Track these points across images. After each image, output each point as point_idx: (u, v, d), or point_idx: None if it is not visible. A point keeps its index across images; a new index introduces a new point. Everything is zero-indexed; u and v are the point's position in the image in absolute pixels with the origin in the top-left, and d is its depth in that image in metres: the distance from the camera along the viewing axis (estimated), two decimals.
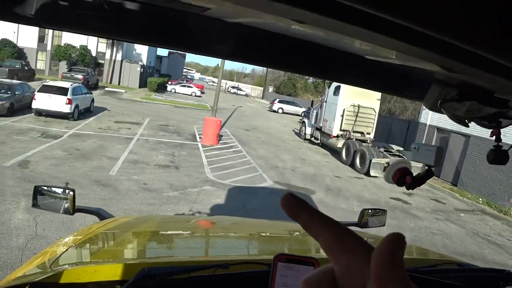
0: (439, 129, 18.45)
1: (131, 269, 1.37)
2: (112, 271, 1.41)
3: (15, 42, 40.89)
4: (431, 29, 0.41)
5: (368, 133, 18.75)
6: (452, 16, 0.39)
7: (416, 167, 1.61)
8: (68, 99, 17.69)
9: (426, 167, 1.53)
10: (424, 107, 18.73)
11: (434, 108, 1.17)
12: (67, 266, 1.54)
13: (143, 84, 46.17)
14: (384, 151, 16.59)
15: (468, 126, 1.15)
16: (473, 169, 15.73)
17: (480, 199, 14.73)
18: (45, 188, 2.44)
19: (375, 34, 0.47)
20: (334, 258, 0.37)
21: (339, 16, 0.43)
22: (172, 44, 0.97)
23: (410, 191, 13.52)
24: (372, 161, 15.27)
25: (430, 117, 19.00)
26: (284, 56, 0.99)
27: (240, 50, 0.94)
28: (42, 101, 17.52)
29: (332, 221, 0.39)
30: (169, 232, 2.49)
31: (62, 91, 17.93)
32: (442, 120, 17.88)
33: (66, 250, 1.82)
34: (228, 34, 0.88)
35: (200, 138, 17.97)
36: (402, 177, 1.56)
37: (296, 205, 0.38)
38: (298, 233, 2.82)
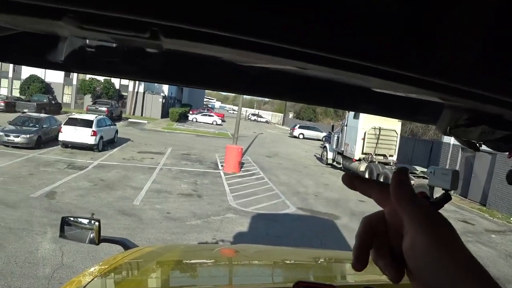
0: (464, 149, 18.08)
1: None
2: None
3: (42, 77, 42.48)
4: (430, 76, 0.44)
5: (391, 155, 18.50)
6: (454, 65, 0.42)
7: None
8: (93, 131, 18.15)
9: (444, 191, 1.51)
10: None
11: (447, 133, 1.16)
12: None
13: (165, 114, 47.00)
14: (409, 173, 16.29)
15: (479, 150, 1.14)
16: (502, 187, 15.24)
17: None
18: (72, 219, 2.48)
19: (378, 80, 0.50)
20: (382, 205, 0.52)
21: (340, 67, 0.46)
22: (190, 83, 1.02)
23: None
24: None
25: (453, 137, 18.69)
26: (297, 90, 1.03)
27: (255, 86, 0.99)
28: (68, 133, 18.02)
29: (379, 182, 0.55)
30: (192, 261, 2.49)
31: (87, 123, 18.43)
32: None
33: (91, 280, 1.84)
34: (242, 74, 0.92)
35: (222, 166, 18.05)
36: None
37: (352, 177, 0.56)
38: (322, 260, 2.78)
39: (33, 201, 9.99)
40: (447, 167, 16.24)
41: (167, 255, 2.55)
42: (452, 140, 18.83)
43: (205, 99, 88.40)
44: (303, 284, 1.10)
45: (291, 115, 74.49)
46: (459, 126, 1.06)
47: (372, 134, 18.31)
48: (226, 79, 0.97)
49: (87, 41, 0.85)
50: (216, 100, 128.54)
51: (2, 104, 31.69)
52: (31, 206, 9.51)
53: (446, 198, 1.52)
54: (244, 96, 21.62)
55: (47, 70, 42.38)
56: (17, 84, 42.83)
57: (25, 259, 6.64)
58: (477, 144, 1.11)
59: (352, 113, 19.67)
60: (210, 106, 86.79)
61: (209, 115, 51.64)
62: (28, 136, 17.11)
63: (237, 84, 0.98)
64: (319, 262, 2.74)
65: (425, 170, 17.15)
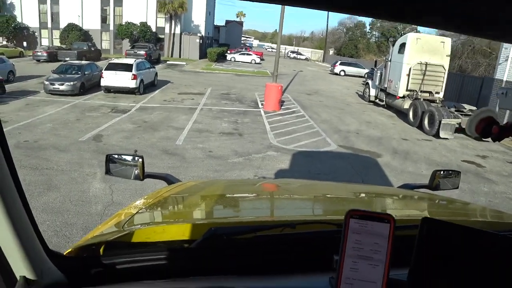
0: None
1: (198, 229, 1.37)
2: (180, 231, 1.41)
3: (80, 25, 42.96)
4: None
5: (437, 93, 17.61)
6: None
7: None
8: (133, 74, 18.37)
9: None
10: (501, 61, 17.14)
11: None
12: (138, 226, 1.58)
13: (203, 55, 46.80)
14: (455, 111, 15.55)
15: None
16: None
17: None
18: (116, 156, 2.51)
19: None
20: None
21: None
22: None
23: (484, 153, 12.66)
24: (442, 122, 14.41)
25: (507, 72, 17.42)
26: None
27: None
28: (109, 78, 18.37)
29: None
30: (235, 195, 2.49)
31: (127, 67, 18.65)
32: None
33: (137, 212, 1.87)
34: None
35: (262, 104, 17.98)
36: (487, 127, 1.39)
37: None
38: (365, 194, 2.71)
39: (82, 144, 10.40)
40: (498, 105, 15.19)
41: (209, 189, 2.57)
42: (505, 76, 17.59)
43: (242, 38, 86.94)
44: (357, 213, 1.03)
45: (331, 52, 72.29)
46: None
47: (418, 70, 17.40)
48: None
49: None
50: (254, 39, 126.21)
51: (45, 54, 32.47)
52: (80, 149, 9.92)
53: None
54: (283, 32, 20.97)
55: (84, 17, 42.91)
56: (56, 33, 43.67)
57: (78, 198, 7.01)
58: None
59: (396, 48, 18.73)
60: (248, 44, 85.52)
61: (248, 54, 50.83)
62: (71, 83, 17.56)
63: None
64: (365, 196, 2.67)
65: (473, 108, 16.30)
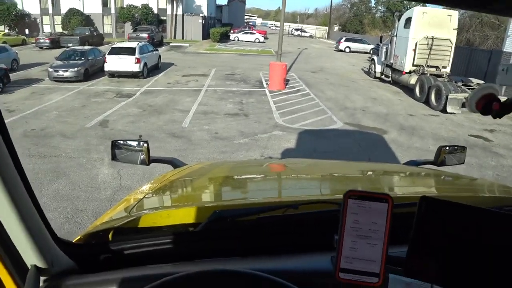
0: None
1: (204, 212, 1.39)
2: (186, 215, 1.44)
3: (81, 10, 42.65)
4: None
5: (444, 67, 17.36)
6: None
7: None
8: (136, 58, 18.30)
9: None
10: (509, 34, 16.79)
11: None
12: (145, 211, 1.61)
13: (206, 35, 46.42)
14: (462, 85, 15.35)
15: None
16: None
17: None
18: (121, 142, 2.53)
19: None
20: None
21: None
22: None
23: (492, 127, 12.54)
24: (449, 96, 14.24)
25: None
26: None
27: None
28: (113, 63, 18.32)
29: None
30: (240, 176, 2.51)
31: (130, 51, 18.57)
32: None
33: (144, 197, 1.90)
34: None
35: (267, 84, 17.90)
36: (488, 103, 1.38)
37: None
38: (370, 172, 2.72)
39: (88, 130, 10.47)
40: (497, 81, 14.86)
41: (215, 171, 2.59)
42: None
43: (245, 17, 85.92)
44: (355, 193, 1.04)
45: (336, 28, 71.38)
46: None
47: (424, 44, 17.12)
48: None
49: None
50: (257, 17, 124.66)
51: (48, 41, 32.36)
52: (87, 136, 9.98)
53: None
54: (286, 10, 20.68)
55: (85, 2, 42.55)
56: (58, 19, 43.39)
57: (87, 184, 7.10)
58: None
59: (402, 22, 18.42)
60: (251, 23, 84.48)
61: (251, 33, 50.35)
62: (75, 69, 17.54)
63: None
64: (369, 174, 2.68)
65: (481, 82, 16.04)
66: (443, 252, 1.04)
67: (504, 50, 18.06)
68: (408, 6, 20.12)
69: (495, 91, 1.41)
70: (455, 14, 17.62)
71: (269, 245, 1.34)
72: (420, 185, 2.49)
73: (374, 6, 67.94)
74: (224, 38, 46.55)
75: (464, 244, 1.03)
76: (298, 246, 1.32)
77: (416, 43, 17.16)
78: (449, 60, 17.41)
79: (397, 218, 1.22)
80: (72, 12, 41.86)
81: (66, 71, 17.40)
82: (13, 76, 17.62)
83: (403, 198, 1.51)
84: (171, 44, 39.32)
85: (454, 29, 17.26)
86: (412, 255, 1.06)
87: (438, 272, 1.05)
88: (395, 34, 19.27)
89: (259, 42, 47.66)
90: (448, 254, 1.03)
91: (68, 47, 24.50)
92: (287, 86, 17.66)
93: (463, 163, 2.79)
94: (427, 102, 15.62)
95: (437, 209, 1.05)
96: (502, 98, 1.38)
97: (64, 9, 42.58)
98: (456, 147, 2.75)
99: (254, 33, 50.44)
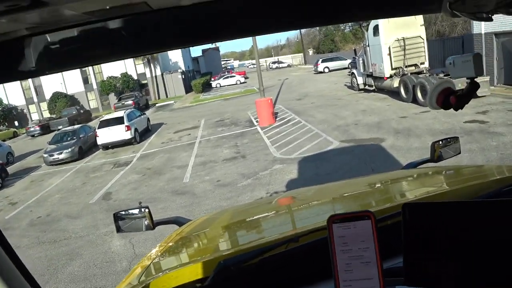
0: (497, 34, 16.88)
1: (211, 265, 1.40)
2: (194, 272, 1.45)
3: (65, 91, 43.56)
4: None
5: (422, 63, 17.70)
6: None
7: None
8: (126, 126, 18.57)
9: (469, 80, 1.41)
10: None
11: (454, 13, 1.07)
12: (155, 276, 1.63)
13: (188, 89, 47.16)
14: (444, 75, 15.63)
15: (492, 20, 1.04)
16: None
17: None
18: (123, 212, 2.56)
19: None
20: None
21: None
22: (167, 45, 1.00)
23: (484, 109, 12.64)
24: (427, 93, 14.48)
25: (483, 25, 17.39)
26: (288, 12, 0.98)
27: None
28: (104, 135, 18.56)
29: None
30: (243, 220, 2.54)
31: (119, 120, 18.86)
32: (497, 24, 16.39)
33: (151, 262, 1.92)
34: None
35: (257, 121, 18.09)
36: (446, 98, 1.45)
37: None
38: (376, 185, 2.74)
39: (93, 206, 10.49)
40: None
41: (218, 221, 2.61)
42: (483, 29, 17.56)
43: (222, 62, 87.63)
44: (337, 217, 1.08)
45: (311, 52, 72.65)
46: None
47: (397, 47, 17.51)
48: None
49: (49, 38, 0.83)
50: (234, 60, 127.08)
51: (38, 128, 32.99)
52: (92, 212, 10.00)
53: (473, 86, 1.43)
54: (259, 46, 21.21)
55: (67, 84, 43.51)
56: (44, 105, 44.23)
57: (102, 259, 7.06)
58: (489, 15, 1.01)
59: (371, 32, 18.86)
60: (229, 67, 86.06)
61: (231, 76, 51.23)
62: (69, 149, 17.78)
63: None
64: (364, 189, 2.70)
65: None
66: (438, 253, 1.07)
67: (474, 32, 18.37)
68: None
69: (451, 85, 1.47)
70: None
71: (274, 285, 1.35)
72: (417, 188, 2.51)
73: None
74: (206, 87, 47.28)
75: (456, 241, 1.05)
76: (302, 279, 1.34)
77: (389, 48, 17.53)
78: (425, 56, 17.77)
79: (390, 229, 1.25)
80: (56, 95, 42.68)
81: (61, 153, 17.59)
82: (10, 169, 17.81)
83: (395, 207, 1.54)
84: (157, 104, 39.91)
85: (421, 25, 17.68)
86: (409, 263, 1.09)
87: (438, 274, 1.07)
88: (367, 44, 19.67)
89: (240, 83, 48.41)
90: (443, 254, 1.06)
91: (58, 129, 24.85)
92: (277, 119, 17.85)
93: (460, 153, 2.82)
94: (415, 100, 15.80)
95: (420, 213, 1.09)
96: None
97: (48, 95, 43.42)
98: (449, 139, 2.78)
99: (234, 76, 51.30)
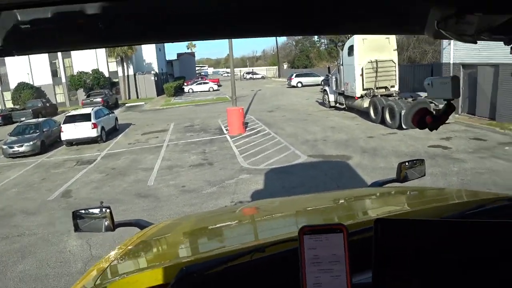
0: (465, 65, 17.60)
1: (173, 271, 1.36)
2: (154, 277, 1.40)
3: (31, 83, 42.14)
4: None
5: (392, 86, 18.25)
6: None
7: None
8: (93, 123, 18.11)
9: (446, 102, 1.44)
10: (444, 46, 17.90)
11: (437, 34, 1.09)
12: (113, 279, 1.56)
13: (160, 91, 46.66)
14: (412, 100, 16.13)
15: (476, 43, 1.06)
16: (509, 98, 14.95)
17: None
18: (83, 211, 2.47)
19: None
20: None
21: None
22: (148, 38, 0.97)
23: (448, 135, 13.10)
24: (402, 113, 14.90)
25: (452, 55, 18.09)
26: (272, 19, 0.97)
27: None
28: (69, 131, 18.02)
29: None
30: (208, 227, 2.50)
31: (86, 117, 18.37)
32: (466, 55, 17.10)
33: (109, 265, 1.85)
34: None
35: (226, 130, 18.03)
36: (422, 118, 1.48)
37: None
38: (332, 202, 2.77)
39: (51, 203, 10.13)
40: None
41: (182, 227, 2.56)
42: (451, 59, 18.28)
43: (197, 68, 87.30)
44: (308, 229, 1.07)
45: (285, 66, 73.42)
46: (451, 17, 0.97)
47: (370, 68, 17.98)
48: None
49: (19, 16, 0.78)
50: (208, 67, 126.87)
51: None
52: (50, 209, 9.65)
53: (449, 108, 1.46)
54: (234, 56, 21.25)
55: (34, 74, 42.17)
56: (7, 95, 42.59)
57: (56, 259, 6.81)
58: (473, 37, 1.03)
59: (346, 51, 19.28)
60: (203, 73, 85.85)
61: (204, 83, 51.12)
62: (31, 143, 17.14)
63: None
64: (331, 203, 2.73)
65: None
66: (407, 270, 1.07)
67: (443, 61, 19.11)
68: (348, 36, 21.03)
69: (427, 106, 1.50)
70: (392, 36, 18.65)
71: None
72: (382, 206, 2.55)
73: (318, 39, 70.71)
74: (178, 91, 46.93)
75: (425, 258, 1.06)
76: None
77: (362, 69, 17.96)
78: (395, 79, 18.33)
79: (360, 244, 1.25)
80: (22, 86, 41.21)
81: (22, 146, 16.96)
82: None
83: (364, 223, 1.55)
84: (126, 104, 39.22)
85: (394, 50, 18.24)
86: (377, 278, 1.08)
87: None
88: (341, 63, 20.09)
89: (213, 90, 48.34)
90: (412, 271, 1.07)
91: (21, 121, 23.98)
92: (247, 128, 17.87)
93: (425, 175, 2.90)
94: (383, 122, 16.19)
95: (392, 229, 1.10)
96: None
97: (13, 84, 41.91)
98: (415, 161, 2.86)
99: (207, 83, 51.22)
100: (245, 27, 1.02)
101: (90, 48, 1.10)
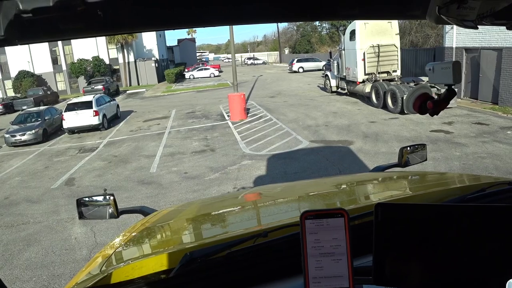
0: (467, 49, 17.46)
1: (177, 256, 1.38)
2: (158, 262, 1.42)
3: (32, 71, 42.03)
4: None
5: (394, 71, 18.13)
6: None
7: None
8: (94, 111, 18.11)
9: (447, 87, 1.44)
10: (447, 30, 17.75)
11: (439, 20, 1.08)
12: (118, 265, 1.58)
13: (161, 78, 46.55)
14: (414, 85, 16.03)
15: (477, 28, 1.06)
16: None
17: None
18: (86, 199, 2.49)
19: None
20: None
21: None
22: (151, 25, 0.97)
23: (450, 120, 13.07)
24: (404, 98, 14.83)
25: (455, 39, 17.94)
26: (273, 6, 0.97)
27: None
28: (71, 119, 18.04)
29: None
30: (211, 213, 2.52)
31: (87, 105, 18.37)
32: (469, 39, 16.95)
33: (114, 251, 1.87)
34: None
35: (228, 116, 18.02)
36: (423, 103, 1.48)
37: None
38: (335, 187, 2.78)
39: (55, 191, 10.19)
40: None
41: (185, 213, 2.58)
42: (454, 43, 18.13)
43: (197, 54, 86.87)
44: (310, 213, 1.08)
45: (287, 51, 73.05)
46: (452, 2, 0.97)
47: (372, 53, 17.84)
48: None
49: (20, 5, 0.78)
50: (209, 52, 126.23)
51: (0, 107, 31.64)
52: (54, 197, 9.71)
53: (450, 93, 1.46)
54: (235, 41, 21.12)
55: (34, 62, 42.04)
56: (8, 83, 42.54)
57: (61, 247, 6.87)
58: (474, 22, 1.03)
59: (347, 36, 19.11)
60: (204, 59, 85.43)
61: (205, 69, 50.90)
62: (33, 131, 17.18)
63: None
64: (334, 188, 2.74)
65: None
66: (407, 254, 1.08)
67: (446, 45, 18.93)
68: (350, 20, 20.80)
69: (428, 91, 1.50)
70: (394, 21, 18.47)
71: (241, 279, 1.34)
72: (384, 190, 2.56)
73: (319, 24, 70.19)
74: (179, 77, 46.79)
75: (426, 243, 1.07)
76: (271, 275, 1.33)
77: (364, 53, 17.82)
78: (397, 64, 18.19)
79: (361, 228, 1.26)
80: (23, 74, 41.14)
81: (24, 134, 17.00)
82: None
83: (365, 207, 1.56)
84: (127, 91, 39.15)
85: (396, 34, 18.06)
86: (378, 262, 1.10)
87: (405, 275, 1.08)
88: (343, 48, 19.93)
89: (214, 76, 48.18)
90: (412, 255, 1.08)
91: (22, 110, 23.99)
92: (248, 114, 17.85)
93: (426, 159, 2.91)
94: (385, 107, 16.14)
95: (393, 213, 1.11)
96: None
97: (13, 73, 41.82)
98: (416, 146, 2.87)
99: (208, 69, 50.99)
100: (244, 13, 1.02)
101: (91, 37, 1.10)
